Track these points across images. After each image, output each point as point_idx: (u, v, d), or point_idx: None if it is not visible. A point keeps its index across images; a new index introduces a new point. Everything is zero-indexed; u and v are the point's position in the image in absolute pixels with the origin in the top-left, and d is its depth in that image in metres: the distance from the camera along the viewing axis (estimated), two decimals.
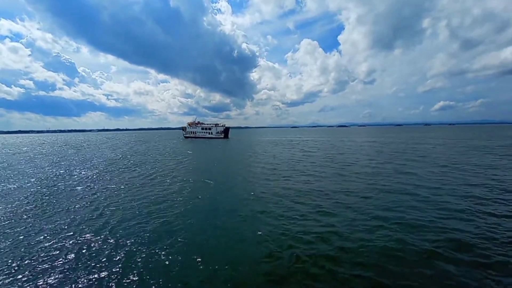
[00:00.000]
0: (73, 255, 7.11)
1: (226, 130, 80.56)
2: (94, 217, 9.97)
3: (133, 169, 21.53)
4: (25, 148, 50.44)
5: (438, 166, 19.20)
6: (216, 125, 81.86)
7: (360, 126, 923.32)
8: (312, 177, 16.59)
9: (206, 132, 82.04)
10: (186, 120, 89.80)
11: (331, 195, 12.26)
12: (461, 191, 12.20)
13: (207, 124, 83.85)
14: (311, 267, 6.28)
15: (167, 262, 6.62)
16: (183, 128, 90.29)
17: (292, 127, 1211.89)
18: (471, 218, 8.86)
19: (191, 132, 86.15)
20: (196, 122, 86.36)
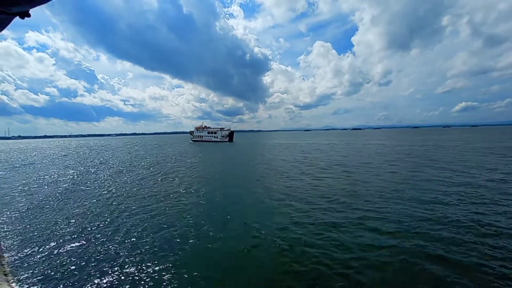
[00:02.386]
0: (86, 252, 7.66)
1: (231, 134, 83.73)
2: (116, 218, 10.65)
3: (147, 171, 23.51)
4: (71, 151, 55.02)
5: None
6: (222, 129, 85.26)
7: (375, 128, 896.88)
8: (292, 180, 17.67)
9: (212, 136, 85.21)
10: (199, 124, 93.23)
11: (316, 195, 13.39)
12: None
13: (213, 128, 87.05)
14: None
15: (174, 267, 6.66)
16: (191, 132, 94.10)
17: (305, 130, 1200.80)
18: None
19: (198, 136, 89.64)
20: (203, 126, 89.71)
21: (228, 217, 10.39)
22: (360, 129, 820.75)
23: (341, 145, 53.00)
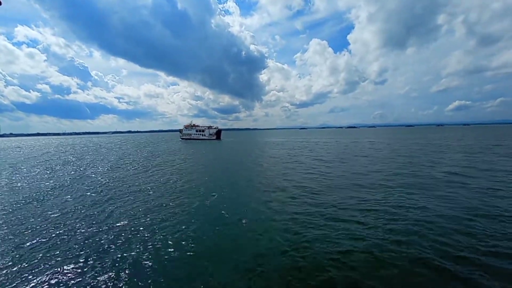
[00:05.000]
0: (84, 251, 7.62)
1: (218, 132, 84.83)
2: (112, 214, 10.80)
3: (140, 169, 23.98)
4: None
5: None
6: (209, 127, 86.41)
7: (370, 127, 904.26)
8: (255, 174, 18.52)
9: (200, 134, 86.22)
10: (195, 122, 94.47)
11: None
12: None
13: (201, 127, 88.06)
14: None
15: (172, 264, 6.76)
16: (180, 131, 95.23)
17: (301, 128, 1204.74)
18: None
19: (186, 134, 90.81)
20: (192, 124, 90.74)
21: (206, 203, 11.37)
22: (355, 127, 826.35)
23: (330, 142, 54.66)
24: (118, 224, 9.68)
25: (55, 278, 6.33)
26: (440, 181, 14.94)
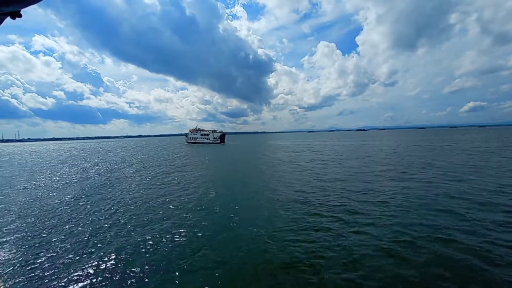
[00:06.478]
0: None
1: (222, 136, 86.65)
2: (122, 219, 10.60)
3: (146, 171, 24.90)
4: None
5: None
6: (214, 131, 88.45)
7: (381, 129, 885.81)
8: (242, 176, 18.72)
9: (205, 138, 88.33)
10: (204, 126, 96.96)
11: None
12: None
13: (206, 131, 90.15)
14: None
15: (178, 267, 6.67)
16: (186, 135, 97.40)
17: (309, 131, 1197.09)
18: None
19: (192, 138, 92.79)
20: (197, 129, 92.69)
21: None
22: (364, 130, 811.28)
23: (336, 145, 54.54)
24: (130, 227, 9.71)
25: (72, 273, 6.57)
26: (431, 181, 15.02)
